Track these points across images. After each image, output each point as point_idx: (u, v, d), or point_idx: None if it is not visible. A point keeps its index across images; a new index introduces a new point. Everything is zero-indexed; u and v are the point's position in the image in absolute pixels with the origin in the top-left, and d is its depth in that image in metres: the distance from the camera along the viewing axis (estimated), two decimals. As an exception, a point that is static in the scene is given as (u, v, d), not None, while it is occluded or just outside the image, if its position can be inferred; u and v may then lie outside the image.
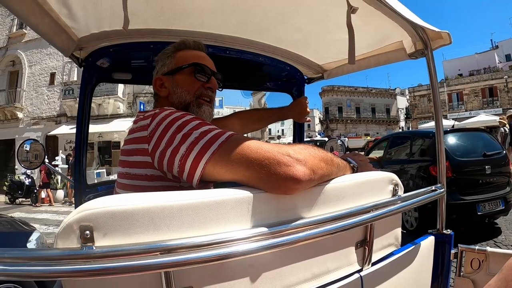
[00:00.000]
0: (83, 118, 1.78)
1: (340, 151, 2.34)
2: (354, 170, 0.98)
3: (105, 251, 0.53)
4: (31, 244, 2.68)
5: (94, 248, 0.53)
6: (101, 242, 0.55)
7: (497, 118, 25.79)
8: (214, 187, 0.78)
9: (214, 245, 0.59)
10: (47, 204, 11.96)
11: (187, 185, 0.81)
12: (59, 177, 12.55)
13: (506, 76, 31.38)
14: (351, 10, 1.05)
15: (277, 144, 0.74)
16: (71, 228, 0.54)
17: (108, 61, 1.73)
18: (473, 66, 37.11)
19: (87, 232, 0.53)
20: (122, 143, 0.95)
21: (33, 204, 11.92)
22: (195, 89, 1.05)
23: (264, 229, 0.66)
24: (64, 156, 13.66)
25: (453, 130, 5.53)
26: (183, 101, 1.03)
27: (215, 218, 0.64)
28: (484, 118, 25.93)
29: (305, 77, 2.26)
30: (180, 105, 1.03)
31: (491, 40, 54.57)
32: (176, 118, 0.79)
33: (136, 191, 0.81)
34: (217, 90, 1.15)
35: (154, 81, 1.08)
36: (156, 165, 0.78)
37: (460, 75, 37.09)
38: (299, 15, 1.48)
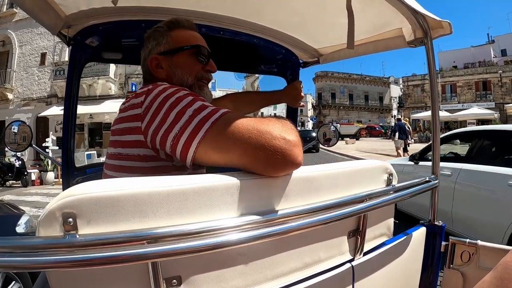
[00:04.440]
0: (71, 99, 1.73)
1: (333, 137, 2.32)
2: None
3: (89, 240, 0.50)
4: (20, 228, 2.64)
5: (77, 236, 0.50)
6: (85, 230, 0.52)
7: (489, 111, 26.15)
8: (206, 172, 0.75)
9: (203, 234, 0.57)
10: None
11: (180, 164, 0.78)
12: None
13: (500, 71, 31.59)
14: None
15: (265, 120, 0.69)
16: (53, 215, 0.51)
17: (97, 39, 1.66)
18: (469, 59, 37.21)
19: (70, 219, 0.51)
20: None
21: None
22: (196, 71, 1.01)
23: (256, 218, 0.64)
24: (54, 138, 13.46)
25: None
26: (184, 83, 0.99)
27: (204, 205, 0.62)
28: (477, 111, 26.21)
29: (301, 61, 2.22)
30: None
31: (488, 34, 54.92)
32: (170, 94, 0.76)
33: (127, 172, 0.79)
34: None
35: (150, 60, 1.00)
36: (149, 142, 0.76)
37: (455, 67, 37.19)
38: None
